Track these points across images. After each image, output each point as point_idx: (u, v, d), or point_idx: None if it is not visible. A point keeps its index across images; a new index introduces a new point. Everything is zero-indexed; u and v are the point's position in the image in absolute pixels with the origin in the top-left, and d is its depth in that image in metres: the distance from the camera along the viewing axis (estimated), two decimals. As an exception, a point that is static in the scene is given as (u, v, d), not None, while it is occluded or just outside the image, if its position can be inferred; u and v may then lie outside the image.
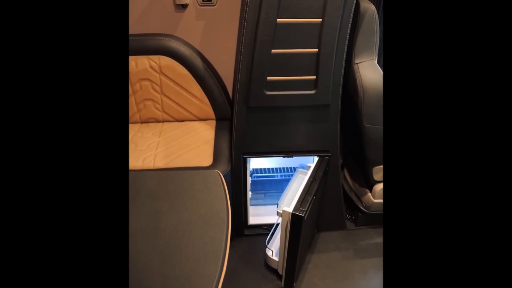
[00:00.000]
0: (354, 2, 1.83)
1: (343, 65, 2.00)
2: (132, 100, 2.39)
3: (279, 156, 2.31)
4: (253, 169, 2.84)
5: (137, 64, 2.28)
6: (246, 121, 2.13)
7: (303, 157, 2.37)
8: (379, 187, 2.40)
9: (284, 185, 2.73)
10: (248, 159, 2.27)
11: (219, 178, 1.67)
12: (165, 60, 2.28)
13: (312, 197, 1.99)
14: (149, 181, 1.63)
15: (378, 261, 2.37)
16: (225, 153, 2.19)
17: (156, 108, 2.44)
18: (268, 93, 2.00)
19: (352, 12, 1.86)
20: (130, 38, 2.24)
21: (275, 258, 2.23)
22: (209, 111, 2.47)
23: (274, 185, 2.80)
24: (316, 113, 2.14)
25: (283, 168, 2.90)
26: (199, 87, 2.37)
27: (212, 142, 2.29)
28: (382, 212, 2.50)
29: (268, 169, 2.89)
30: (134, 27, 2.25)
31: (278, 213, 2.00)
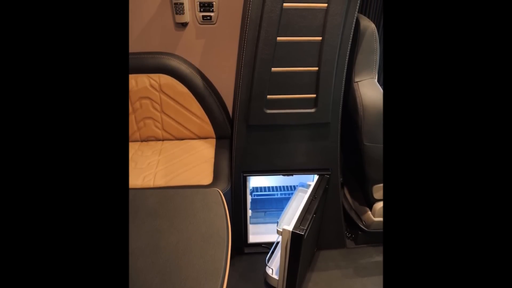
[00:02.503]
0: (354, 20, 1.84)
1: (343, 83, 2.01)
2: (132, 118, 2.39)
3: (279, 175, 2.31)
4: (253, 187, 2.84)
5: (137, 82, 2.29)
6: (246, 140, 2.13)
7: (303, 175, 2.37)
8: (379, 205, 2.39)
9: (284, 203, 2.73)
10: (248, 177, 2.27)
11: (219, 196, 1.66)
12: (165, 79, 2.29)
13: (312, 216, 1.99)
14: (149, 200, 1.63)
15: (378, 280, 2.35)
16: (225, 171, 2.19)
17: (156, 127, 2.45)
18: (268, 111, 2.00)
19: (352, 30, 1.87)
20: (130, 56, 2.25)
21: (275, 276, 2.22)
22: (209, 129, 2.47)
23: (274, 204, 2.79)
24: (316, 131, 2.14)
25: (283, 186, 2.89)
26: (199, 106, 2.38)
27: (212, 160, 2.29)
28: (382, 230, 2.50)
29: (268, 187, 2.88)
30: (134, 45, 2.26)
31: (278, 232, 1.99)
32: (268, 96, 1.96)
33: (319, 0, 1.74)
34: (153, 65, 2.26)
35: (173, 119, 2.42)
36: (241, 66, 1.92)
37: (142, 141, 2.51)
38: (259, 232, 2.62)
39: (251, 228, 2.58)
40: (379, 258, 2.51)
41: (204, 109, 2.39)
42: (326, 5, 1.75)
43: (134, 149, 2.40)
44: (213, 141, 2.50)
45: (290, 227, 1.91)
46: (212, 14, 2.18)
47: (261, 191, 2.85)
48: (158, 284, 1.25)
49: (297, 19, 1.77)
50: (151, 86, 2.30)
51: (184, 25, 2.21)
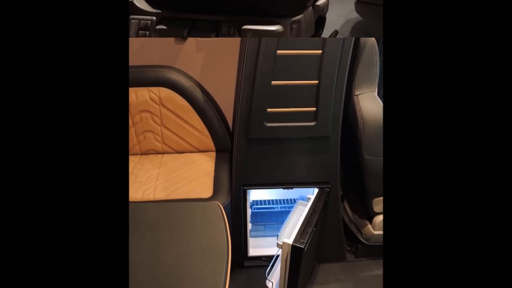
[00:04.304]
0: (354, 33, 1.85)
1: (343, 96, 2.01)
2: (132, 131, 2.39)
3: (279, 188, 2.30)
4: (253, 200, 2.82)
5: (137, 95, 2.29)
6: (246, 153, 2.12)
7: (303, 188, 2.36)
8: (379, 218, 2.39)
9: (284, 216, 2.71)
10: (248, 190, 2.27)
11: (219, 209, 1.66)
12: (165, 92, 2.29)
13: (312, 229, 1.98)
14: (149, 213, 1.63)
15: (379, 293, 2.35)
16: (225, 184, 2.18)
17: (156, 140, 2.44)
18: (268, 124, 2.00)
19: (352, 43, 1.87)
20: (130, 69, 2.25)
21: (275, 290, 2.21)
22: (209, 142, 2.47)
23: (274, 217, 2.78)
24: (316, 144, 2.14)
25: (283, 199, 2.88)
26: (199, 119, 2.38)
27: (212, 173, 2.28)
28: (382, 243, 2.49)
29: (268, 200, 2.87)
30: (134, 58, 2.26)
31: (278, 245, 1.98)
32: (268, 109, 1.96)
33: (319, 13, 1.75)
34: (153, 78, 2.27)
35: (173, 132, 2.42)
36: (241, 80, 1.92)
37: (142, 154, 2.50)
38: (259, 245, 2.60)
39: (251, 241, 2.57)
40: (379, 272, 2.50)
41: (204, 122, 2.39)
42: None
43: (134, 162, 2.39)
44: (213, 154, 2.50)
45: (290, 241, 1.90)
46: (212, 27, 2.19)
47: (261, 204, 2.84)
48: (158, 298, 1.25)
49: None
50: (151, 99, 2.30)
51: (184, 38, 2.21)
